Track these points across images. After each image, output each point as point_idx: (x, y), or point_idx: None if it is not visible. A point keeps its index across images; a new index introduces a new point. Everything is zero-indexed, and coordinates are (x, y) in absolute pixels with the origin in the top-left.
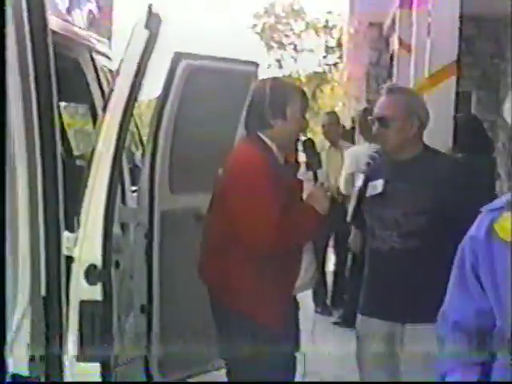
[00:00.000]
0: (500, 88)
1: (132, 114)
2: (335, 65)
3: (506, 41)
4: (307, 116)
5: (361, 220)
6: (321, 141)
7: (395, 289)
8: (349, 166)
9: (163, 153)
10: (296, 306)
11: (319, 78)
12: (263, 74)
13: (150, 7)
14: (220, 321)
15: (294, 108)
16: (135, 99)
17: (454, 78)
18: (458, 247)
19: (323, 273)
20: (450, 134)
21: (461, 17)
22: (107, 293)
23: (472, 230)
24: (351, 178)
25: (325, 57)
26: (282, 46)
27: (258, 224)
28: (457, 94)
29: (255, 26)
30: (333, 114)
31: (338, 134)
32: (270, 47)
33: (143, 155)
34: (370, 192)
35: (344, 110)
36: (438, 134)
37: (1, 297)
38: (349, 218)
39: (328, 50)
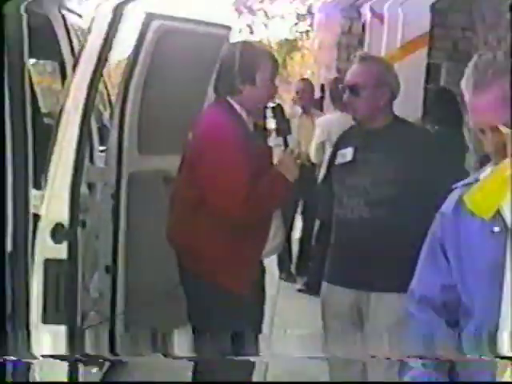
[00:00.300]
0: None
1: (102, 74)
2: (306, 32)
3: (478, 15)
4: (277, 82)
5: (329, 188)
6: (291, 107)
7: (361, 258)
8: (319, 135)
9: (132, 114)
10: (263, 270)
11: (290, 45)
12: (235, 39)
13: None
14: (188, 285)
15: (263, 74)
16: (106, 59)
17: (425, 50)
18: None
19: (289, 240)
20: (420, 105)
21: None
22: (73, 252)
23: (442, 206)
24: (321, 146)
25: (296, 24)
26: (252, 11)
27: (227, 191)
28: (427, 65)
29: None
30: (307, 81)
31: (311, 101)
32: (240, 12)
33: (112, 115)
34: (339, 160)
35: (313, 79)
36: (408, 104)
37: (1, 297)
38: (318, 186)
39: (299, 17)
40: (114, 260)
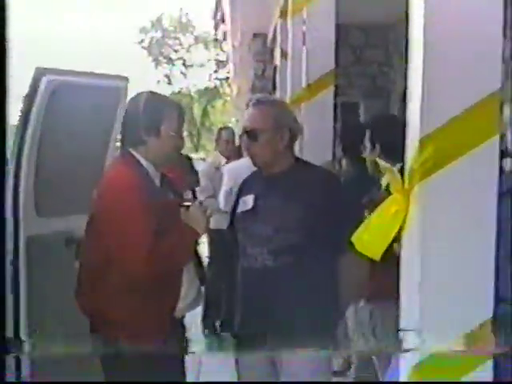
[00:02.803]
0: (389, 97)
1: None
2: (226, 79)
3: (394, 49)
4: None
5: (234, 237)
6: (216, 157)
7: (269, 310)
8: (226, 182)
9: (27, 174)
10: (182, 328)
11: (210, 93)
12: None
13: None
14: (101, 350)
15: (168, 125)
16: None
17: (331, 88)
18: None
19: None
20: (330, 145)
21: (340, 27)
22: None
23: None
24: (229, 194)
25: (215, 71)
26: (170, 61)
27: (130, 250)
28: (344, 104)
29: (142, 40)
30: (227, 130)
31: (234, 150)
32: (158, 62)
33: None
34: (241, 208)
35: (238, 126)
36: (318, 146)
37: (1, 296)
38: (225, 236)
39: (218, 64)
40: (16, 332)
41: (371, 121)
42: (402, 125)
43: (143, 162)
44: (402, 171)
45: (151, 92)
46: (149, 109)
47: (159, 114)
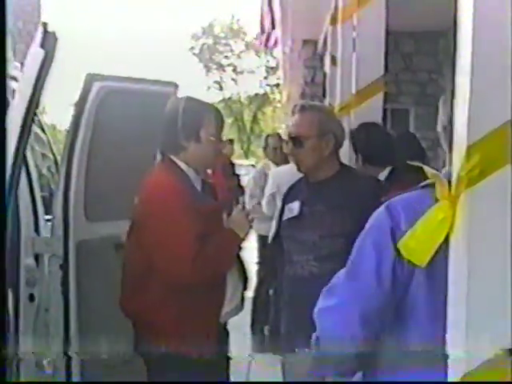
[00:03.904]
0: (439, 104)
1: (29, 136)
2: (276, 85)
3: (444, 56)
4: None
5: (280, 244)
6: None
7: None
8: (270, 187)
9: (77, 179)
10: (226, 334)
11: (260, 100)
12: (203, 97)
13: (44, 25)
14: (145, 354)
15: (207, 129)
16: (32, 121)
17: (381, 95)
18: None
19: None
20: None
21: (391, 33)
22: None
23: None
24: (272, 199)
25: (266, 77)
26: (221, 67)
27: (173, 256)
28: (394, 110)
29: (193, 47)
30: (275, 137)
31: (282, 156)
32: (208, 69)
33: (57, 182)
34: (286, 215)
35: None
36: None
37: (1, 297)
38: (269, 243)
39: (268, 70)
40: (66, 333)
41: (352, 130)
42: (384, 132)
43: (184, 167)
44: (389, 177)
45: (188, 97)
46: (187, 114)
47: (198, 119)
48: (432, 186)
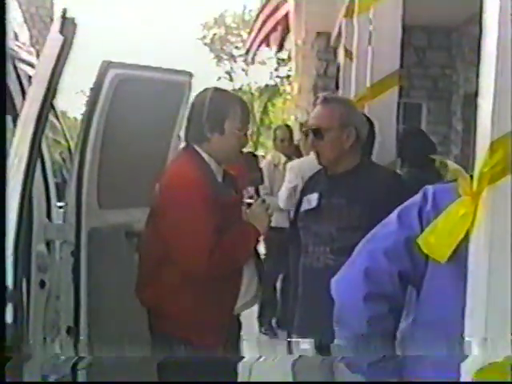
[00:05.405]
0: (451, 99)
1: (46, 123)
2: (287, 77)
3: (457, 51)
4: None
5: (296, 236)
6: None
7: (329, 309)
8: (292, 180)
9: (91, 166)
10: (238, 326)
11: (271, 91)
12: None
13: (64, 12)
14: (159, 343)
15: (232, 122)
16: (50, 108)
17: (396, 89)
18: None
19: (273, 290)
20: (393, 146)
21: (404, 27)
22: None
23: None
24: (293, 191)
25: (276, 69)
26: (232, 57)
27: (190, 247)
28: (406, 105)
29: (204, 37)
30: (284, 128)
31: (292, 148)
32: (220, 59)
33: (70, 169)
34: (304, 206)
35: (296, 124)
36: (381, 146)
37: (1, 294)
38: (286, 234)
39: (279, 62)
40: (76, 321)
41: (399, 137)
42: (427, 138)
43: (206, 157)
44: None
45: (216, 88)
46: (213, 106)
47: (223, 112)
48: None
